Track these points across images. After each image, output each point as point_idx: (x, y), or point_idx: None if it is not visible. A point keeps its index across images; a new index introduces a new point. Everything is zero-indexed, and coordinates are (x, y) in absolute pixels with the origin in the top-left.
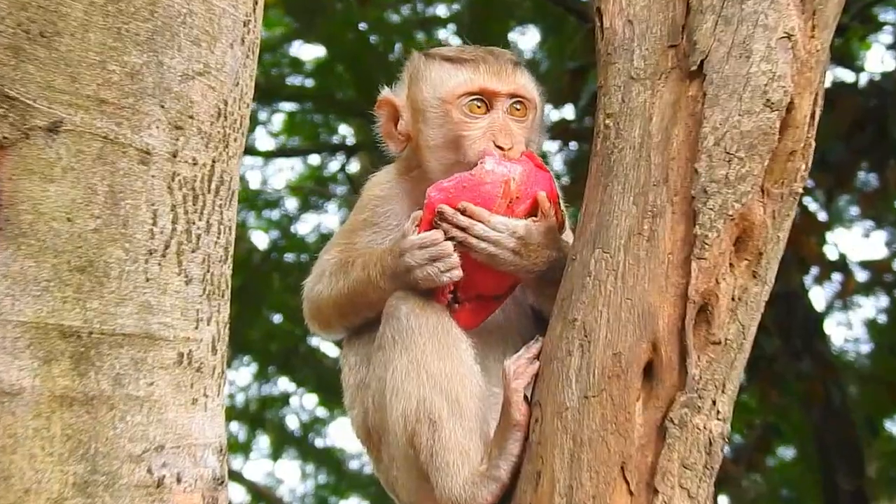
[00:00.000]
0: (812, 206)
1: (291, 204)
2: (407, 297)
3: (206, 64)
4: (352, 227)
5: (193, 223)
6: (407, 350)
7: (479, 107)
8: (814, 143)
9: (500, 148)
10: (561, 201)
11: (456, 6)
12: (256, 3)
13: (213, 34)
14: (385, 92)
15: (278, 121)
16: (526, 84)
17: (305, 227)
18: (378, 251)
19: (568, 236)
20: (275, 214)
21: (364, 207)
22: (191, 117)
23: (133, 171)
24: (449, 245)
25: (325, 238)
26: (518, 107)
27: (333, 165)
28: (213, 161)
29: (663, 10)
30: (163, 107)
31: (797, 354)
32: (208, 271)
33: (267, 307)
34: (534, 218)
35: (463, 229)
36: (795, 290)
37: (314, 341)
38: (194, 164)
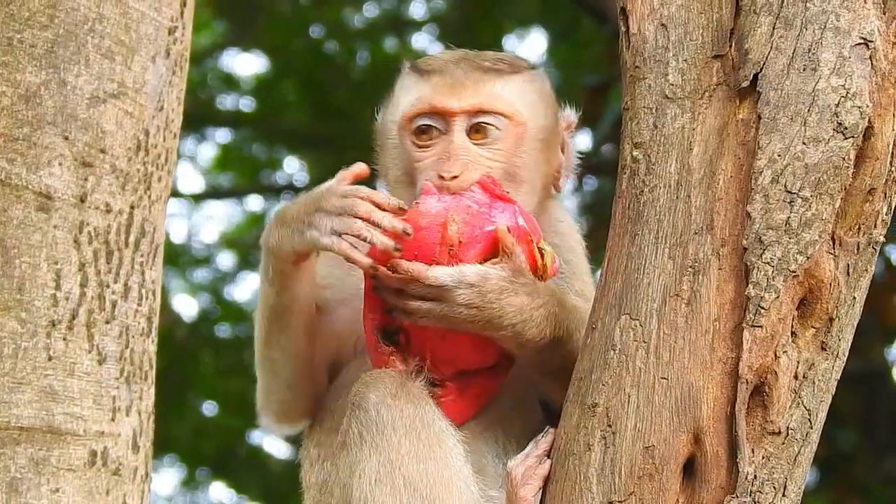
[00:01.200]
0: None
1: (226, 261)
2: (376, 382)
3: (122, 83)
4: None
5: (107, 286)
6: (378, 449)
7: (424, 132)
8: None
9: (442, 178)
10: (542, 241)
11: (438, 3)
12: (185, 4)
13: (130, 45)
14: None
15: (208, 154)
16: (500, 93)
17: (244, 290)
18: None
19: (588, 290)
20: (204, 275)
21: None
22: (102, 151)
23: (30, 220)
24: (370, 209)
25: None
26: (480, 127)
27: None
28: (132, 207)
29: (706, 11)
30: (67, 138)
31: (881, 451)
32: (127, 347)
33: (195, 395)
34: (494, 260)
35: (400, 293)
36: (878, 368)
37: (257, 438)
38: (108, 210)
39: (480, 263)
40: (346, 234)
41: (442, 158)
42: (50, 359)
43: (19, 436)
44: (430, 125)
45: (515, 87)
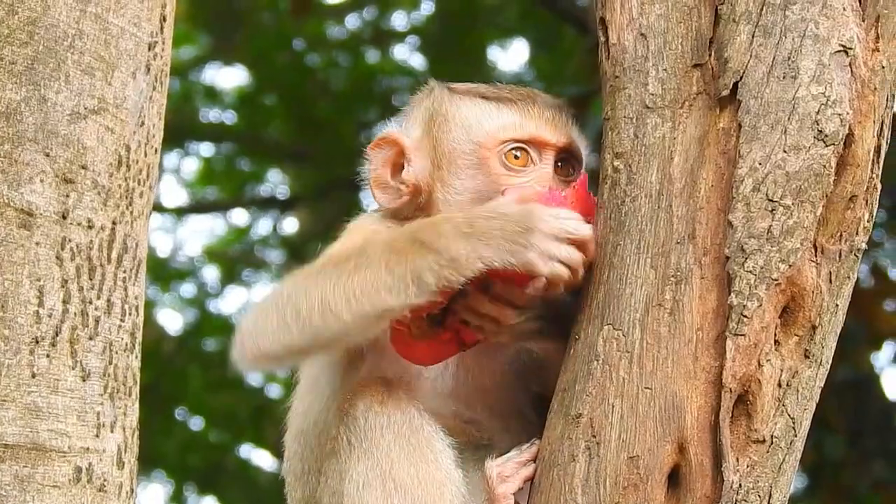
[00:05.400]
0: (885, 263)
1: (210, 274)
2: (364, 390)
3: (102, 99)
4: (340, 252)
5: (90, 302)
6: (367, 455)
7: (519, 157)
8: (880, 186)
9: None
10: None
11: (419, 14)
12: (164, 19)
13: (110, 61)
14: (391, 129)
15: (191, 167)
16: (578, 139)
17: (230, 304)
18: (428, 219)
19: None
20: (189, 289)
21: (363, 233)
22: (84, 167)
23: (11, 237)
24: (588, 229)
25: None
26: (563, 165)
27: (263, 224)
28: (114, 223)
29: (685, 20)
30: (48, 155)
31: (869, 457)
32: (110, 363)
33: (182, 409)
34: None
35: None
36: (866, 375)
37: (245, 452)
38: (90, 226)
39: None
40: (564, 262)
41: (534, 184)
42: (33, 376)
43: (3, 453)
44: (525, 151)
45: (579, 132)
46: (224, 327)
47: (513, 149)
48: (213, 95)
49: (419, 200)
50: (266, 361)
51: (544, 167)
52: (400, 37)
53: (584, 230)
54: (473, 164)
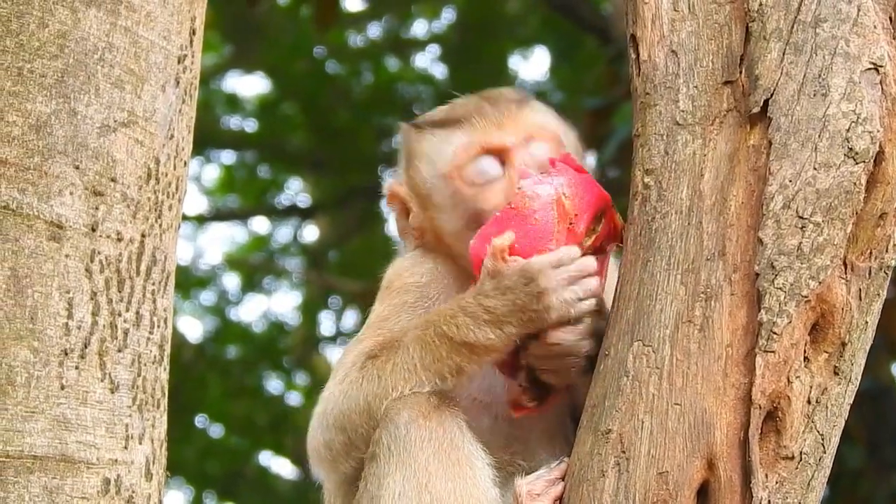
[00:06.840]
0: None
1: (231, 282)
2: (411, 401)
3: (132, 112)
4: (386, 315)
5: (119, 315)
6: (404, 464)
7: (482, 172)
8: None
9: None
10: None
11: (440, 24)
12: (194, 32)
13: (140, 74)
14: (389, 181)
15: (211, 175)
16: (541, 120)
17: (249, 311)
18: (447, 307)
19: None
20: (209, 296)
21: (405, 291)
22: (113, 180)
23: (41, 249)
24: (591, 261)
25: (275, 326)
26: (540, 150)
27: (284, 233)
28: (143, 235)
29: (716, 37)
30: (77, 167)
31: (888, 468)
32: (139, 375)
33: (202, 416)
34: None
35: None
36: (885, 385)
37: (264, 460)
38: (119, 239)
39: (588, 234)
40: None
41: (510, 189)
42: (63, 387)
43: (33, 464)
44: (486, 167)
45: (547, 110)
46: (244, 335)
47: (473, 166)
48: (233, 103)
49: (428, 240)
50: (341, 468)
51: (513, 170)
52: (420, 45)
53: (588, 265)
54: (449, 196)
